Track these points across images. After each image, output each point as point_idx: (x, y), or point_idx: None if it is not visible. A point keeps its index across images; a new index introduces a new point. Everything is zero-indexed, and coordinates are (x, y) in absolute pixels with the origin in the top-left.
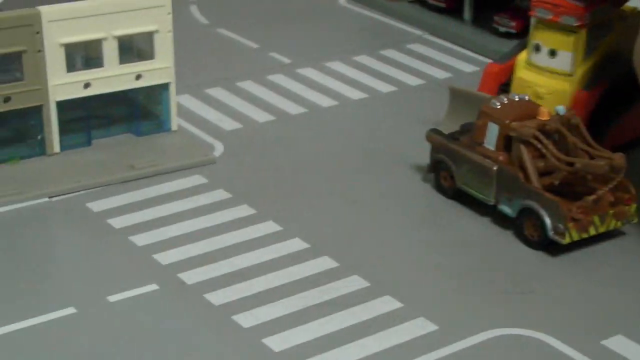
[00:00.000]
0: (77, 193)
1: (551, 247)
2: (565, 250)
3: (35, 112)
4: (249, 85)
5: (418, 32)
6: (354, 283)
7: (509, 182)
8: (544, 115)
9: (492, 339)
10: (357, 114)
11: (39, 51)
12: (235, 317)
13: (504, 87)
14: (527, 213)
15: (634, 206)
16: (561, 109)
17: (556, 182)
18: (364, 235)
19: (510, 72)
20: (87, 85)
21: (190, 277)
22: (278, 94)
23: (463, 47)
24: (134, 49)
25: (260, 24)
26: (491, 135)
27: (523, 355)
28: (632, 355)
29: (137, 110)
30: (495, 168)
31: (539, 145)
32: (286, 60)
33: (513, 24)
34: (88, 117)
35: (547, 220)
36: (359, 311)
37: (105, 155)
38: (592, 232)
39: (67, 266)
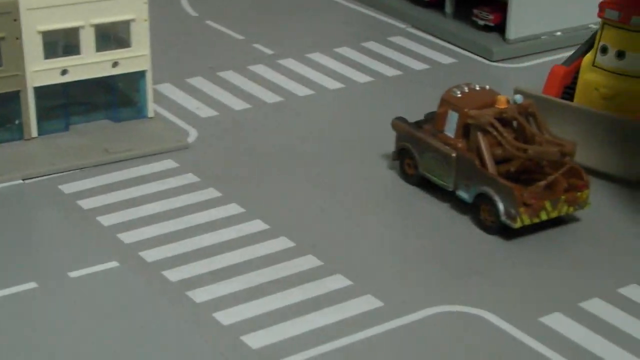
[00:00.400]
0: (51, 176)
1: (505, 232)
2: (518, 235)
3: (14, 98)
4: (229, 75)
5: (402, 25)
6: (308, 262)
7: (467, 168)
8: (502, 104)
9: (433, 316)
10: (333, 103)
11: (17, 38)
12: (189, 293)
13: (569, 90)
14: (482, 198)
15: (586, 192)
16: (518, 97)
17: (512, 169)
18: (324, 218)
19: (575, 74)
20: (64, 72)
21: (151, 255)
22: (257, 84)
23: (443, 39)
24: (112, 37)
25: (248, 17)
26: (451, 123)
27: (461, 331)
28: (565, 330)
29: (115, 97)
30: (454, 155)
31: (495, 133)
32: (269, 52)
33: (491, 17)
34: (67, 104)
35: (500, 205)
36: (311, 288)
37: (82, 140)
38: (544, 216)
39: (32, 244)
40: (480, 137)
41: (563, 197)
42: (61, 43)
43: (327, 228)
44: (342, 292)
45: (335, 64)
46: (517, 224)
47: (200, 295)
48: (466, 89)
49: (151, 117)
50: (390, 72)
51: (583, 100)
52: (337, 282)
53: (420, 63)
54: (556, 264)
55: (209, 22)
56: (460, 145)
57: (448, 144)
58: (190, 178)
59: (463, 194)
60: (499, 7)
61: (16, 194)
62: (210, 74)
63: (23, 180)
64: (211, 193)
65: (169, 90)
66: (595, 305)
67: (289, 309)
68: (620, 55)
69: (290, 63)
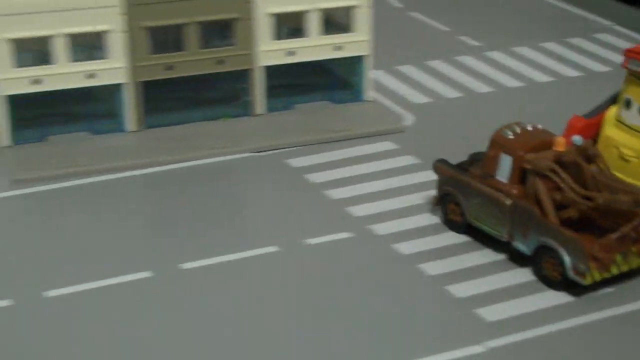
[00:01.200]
0: (277, 150)
1: (572, 288)
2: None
3: (244, 76)
4: (438, 65)
5: (607, 22)
6: None
7: (525, 217)
8: (560, 146)
9: None
10: (543, 97)
11: (249, 19)
12: (421, 266)
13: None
14: (545, 251)
15: None
16: (578, 139)
17: (574, 216)
18: None
19: (597, 127)
20: (290, 53)
21: (380, 228)
22: (466, 74)
23: None
24: (334, 22)
25: (451, 9)
26: (504, 167)
27: None
28: None
29: (334, 81)
30: (509, 202)
31: (557, 179)
32: (475, 43)
33: None
34: (291, 85)
35: (567, 259)
36: None
37: (304, 119)
38: (615, 271)
39: (266, 212)
40: (539, 183)
41: (634, 248)
42: (287, 27)
43: None
44: None
45: (542, 58)
46: (587, 280)
47: (432, 268)
48: (518, 130)
49: (368, 101)
50: (597, 67)
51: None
52: None
53: None
54: None
55: (413, 14)
56: (515, 191)
57: (501, 190)
58: (409, 160)
59: (520, 246)
60: None
61: (248, 165)
62: (420, 63)
63: (253, 153)
64: (430, 175)
65: (382, 76)
66: None
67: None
68: None
69: (496, 56)
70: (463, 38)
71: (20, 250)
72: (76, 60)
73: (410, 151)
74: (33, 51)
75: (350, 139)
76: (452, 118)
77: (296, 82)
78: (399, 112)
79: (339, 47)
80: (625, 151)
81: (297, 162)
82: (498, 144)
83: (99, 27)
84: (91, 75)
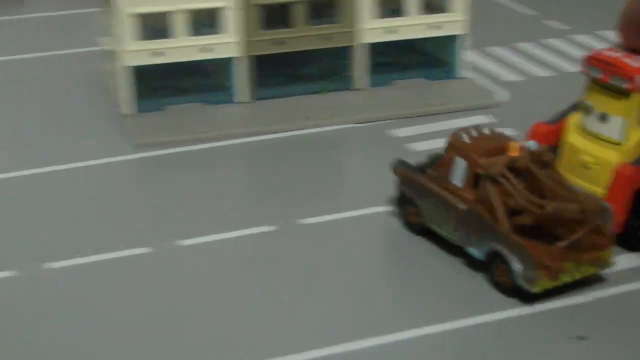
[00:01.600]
0: (377, 122)
1: (524, 295)
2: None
3: (346, 52)
4: (526, 47)
5: None
6: None
7: (477, 223)
8: (513, 151)
9: None
10: None
11: None
12: None
13: (554, 149)
14: (496, 257)
15: (609, 251)
16: (532, 144)
17: (528, 223)
18: None
19: (559, 134)
20: (391, 31)
21: None
22: (554, 56)
23: None
24: (433, 3)
25: None
26: (459, 171)
27: None
28: None
29: (431, 59)
30: (462, 207)
31: (507, 185)
32: (562, 27)
33: None
34: (388, 62)
35: (516, 266)
36: None
37: (402, 94)
38: (566, 279)
39: (369, 175)
40: (491, 188)
41: (586, 257)
42: (388, 6)
43: None
44: None
45: None
46: (536, 288)
47: None
48: (475, 133)
49: (464, 78)
50: None
51: (565, 164)
52: None
53: None
54: None
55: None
56: (469, 196)
57: (455, 194)
58: (507, 132)
59: (474, 251)
60: None
61: (350, 135)
62: (508, 44)
63: (355, 124)
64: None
65: (474, 57)
66: None
67: None
68: (603, 118)
69: (583, 39)
70: (549, 22)
71: (148, 205)
72: (193, 35)
73: (508, 124)
74: (154, 25)
75: (449, 112)
76: (545, 94)
77: (394, 60)
78: (491, 89)
79: (436, 26)
80: (586, 158)
81: (398, 132)
82: (454, 147)
83: (216, 4)
84: (207, 49)
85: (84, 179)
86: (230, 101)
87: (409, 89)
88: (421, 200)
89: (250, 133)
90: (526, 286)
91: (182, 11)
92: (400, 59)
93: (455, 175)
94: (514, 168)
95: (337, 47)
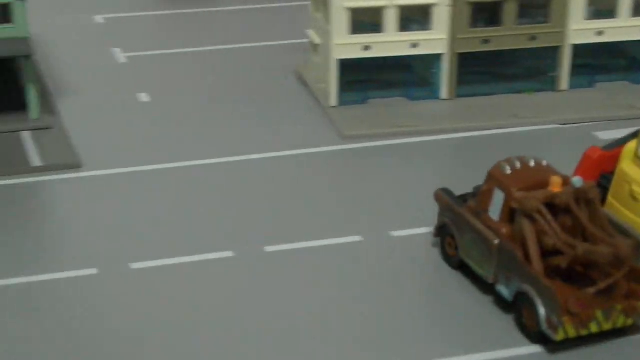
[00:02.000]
0: (582, 124)
1: (549, 343)
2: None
3: (551, 52)
4: None
5: None
6: None
7: (509, 260)
8: (555, 186)
9: None
10: None
11: None
12: None
13: (608, 176)
14: (524, 299)
15: None
16: (577, 180)
17: (564, 265)
18: None
19: (615, 161)
20: (600, 33)
21: None
22: None
23: None
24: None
25: None
26: (497, 204)
27: None
28: None
29: (634, 62)
30: (496, 242)
31: (542, 221)
32: None
33: None
34: (590, 64)
35: (542, 310)
36: None
37: (606, 96)
38: (594, 329)
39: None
40: (526, 224)
41: (619, 306)
42: (592, 8)
43: None
44: None
45: None
46: (559, 336)
47: None
48: (518, 164)
49: None
50: None
51: (616, 194)
52: None
53: None
54: None
55: None
56: (504, 230)
57: (491, 228)
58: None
59: (503, 290)
60: None
61: (556, 135)
62: None
63: (559, 125)
64: None
65: None
66: None
67: None
68: None
69: None
70: None
71: (339, 192)
72: (402, 31)
73: None
74: (362, 20)
75: None
76: None
77: (596, 61)
78: None
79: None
80: (636, 189)
81: (602, 135)
82: (493, 178)
83: (429, 0)
84: (415, 45)
85: (291, 167)
86: (432, 97)
87: (613, 91)
88: (458, 232)
89: (451, 129)
90: (549, 333)
91: (394, 7)
92: (601, 61)
93: (493, 209)
94: (553, 205)
95: (541, 47)
